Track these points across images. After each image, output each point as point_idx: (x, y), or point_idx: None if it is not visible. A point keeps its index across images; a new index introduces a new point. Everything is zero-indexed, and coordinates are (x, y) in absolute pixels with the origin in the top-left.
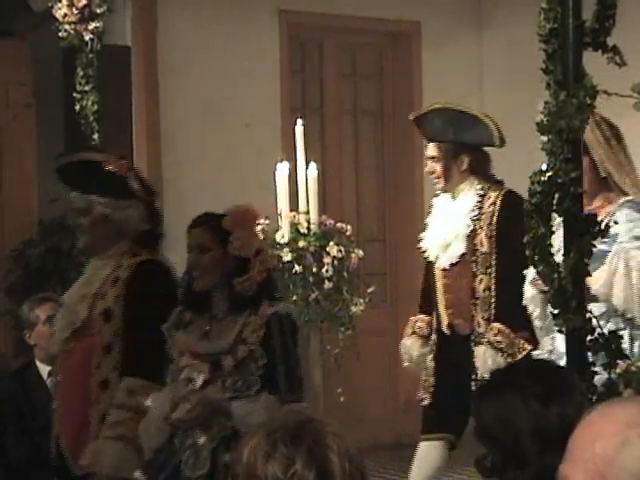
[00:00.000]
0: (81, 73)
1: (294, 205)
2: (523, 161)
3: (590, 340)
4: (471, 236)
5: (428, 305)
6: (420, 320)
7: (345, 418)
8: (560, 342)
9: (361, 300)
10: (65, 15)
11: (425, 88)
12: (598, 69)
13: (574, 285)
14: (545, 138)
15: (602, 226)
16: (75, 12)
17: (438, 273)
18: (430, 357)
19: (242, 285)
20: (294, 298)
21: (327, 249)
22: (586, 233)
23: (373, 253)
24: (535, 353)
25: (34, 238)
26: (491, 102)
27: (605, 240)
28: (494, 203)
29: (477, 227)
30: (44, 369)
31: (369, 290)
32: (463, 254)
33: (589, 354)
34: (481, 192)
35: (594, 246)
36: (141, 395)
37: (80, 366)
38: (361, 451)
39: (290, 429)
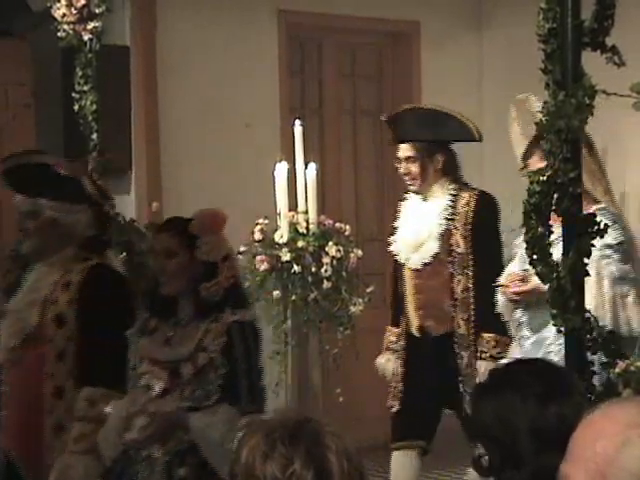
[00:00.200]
0: (80, 73)
1: (293, 205)
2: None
3: (589, 340)
4: (445, 236)
5: (398, 315)
6: (392, 334)
7: (344, 418)
8: (529, 348)
9: (360, 300)
10: (64, 15)
11: (424, 88)
12: (597, 69)
13: (573, 285)
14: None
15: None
16: (74, 12)
17: (409, 274)
18: (399, 363)
19: (209, 291)
20: (293, 298)
21: (326, 249)
22: (585, 233)
23: (372, 253)
24: (504, 361)
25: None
26: (490, 102)
27: None
28: (468, 203)
29: (451, 227)
30: None
31: (368, 290)
32: (436, 254)
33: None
34: (454, 192)
35: (593, 246)
36: (103, 404)
37: (31, 375)
38: (360, 451)
39: (289, 429)
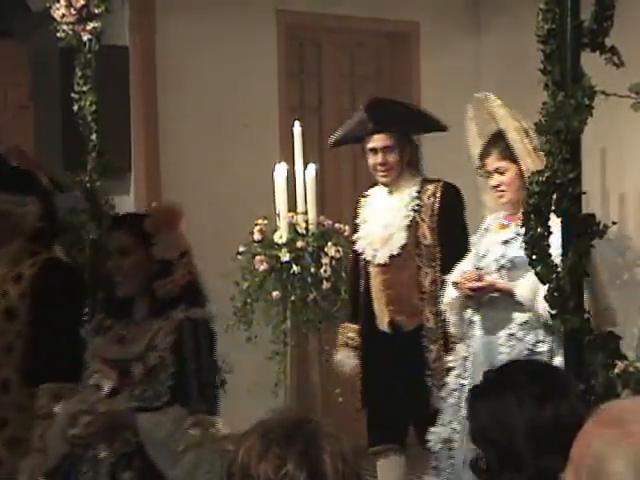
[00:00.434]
0: (79, 73)
1: (292, 205)
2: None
3: (588, 340)
4: (412, 228)
5: (357, 311)
6: (349, 330)
7: (343, 418)
8: (479, 348)
9: None
10: (63, 15)
11: (423, 89)
12: (596, 69)
13: (572, 285)
14: (543, 139)
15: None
16: (73, 12)
17: (375, 270)
18: (359, 363)
19: (164, 289)
20: (292, 298)
21: (325, 249)
22: (584, 233)
23: None
24: (449, 359)
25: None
26: None
27: None
28: (434, 195)
29: (418, 219)
30: None
31: None
32: (404, 245)
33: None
34: (418, 184)
35: (592, 246)
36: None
37: None
38: (359, 452)
39: (285, 430)
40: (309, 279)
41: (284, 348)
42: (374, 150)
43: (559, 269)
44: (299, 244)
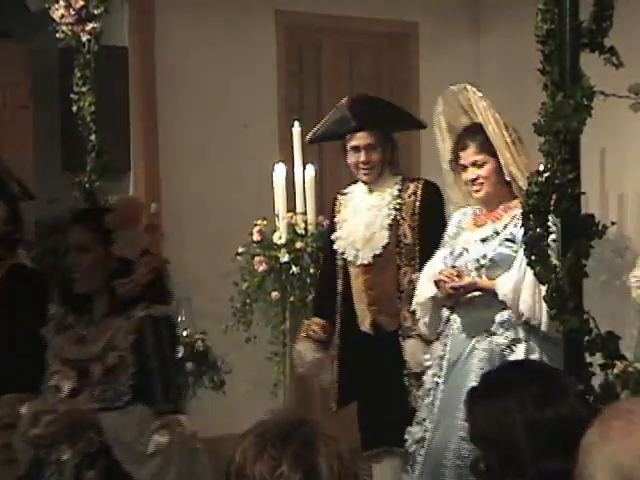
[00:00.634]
0: (78, 74)
1: (291, 206)
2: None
3: (587, 341)
4: (394, 226)
5: (326, 308)
6: (314, 323)
7: (342, 419)
8: (454, 345)
9: None
10: (62, 16)
11: (422, 89)
12: (595, 70)
13: (571, 286)
14: (542, 139)
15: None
16: (72, 13)
17: (356, 271)
18: (336, 364)
19: (124, 287)
20: (292, 299)
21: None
22: (583, 234)
23: None
24: (425, 357)
25: (31, 239)
26: None
27: (510, 245)
28: (414, 193)
29: (399, 217)
30: None
31: None
32: (387, 244)
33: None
34: (399, 182)
35: (592, 247)
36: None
37: None
38: (358, 452)
39: (281, 430)
40: (308, 280)
41: (283, 349)
42: (356, 148)
43: (558, 269)
44: (298, 245)
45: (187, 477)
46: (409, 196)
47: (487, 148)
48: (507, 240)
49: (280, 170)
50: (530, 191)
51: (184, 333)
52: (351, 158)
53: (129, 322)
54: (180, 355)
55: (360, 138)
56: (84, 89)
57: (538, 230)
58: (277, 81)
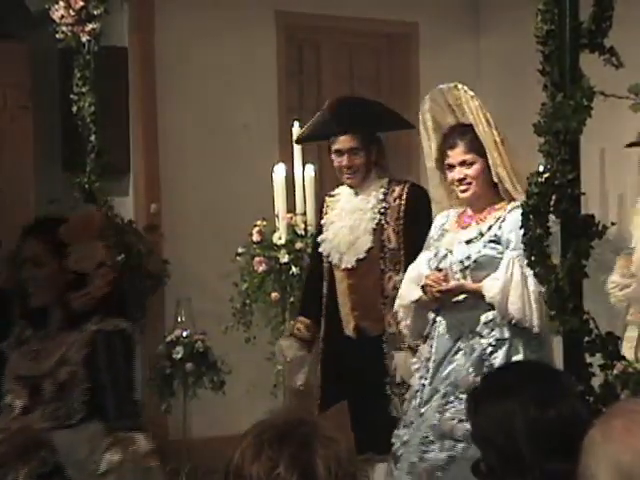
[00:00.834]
0: (78, 75)
1: (291, 207)
2: (521, 162)
3: (587, 341)
4: (378, 231)
5: (311, 308)
6: (299, 322)
7: (342, 420)
8: (440, 346)
9: None
10: (62, 17)
11: (422, 90)
12: (595, 70)
13: (571, 286)
14: (542, 140)
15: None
16: (72, 14)
17: (341, 275)
18: (318, 368)
19: (79, 301)
20: (291, 299)
21: None
22: (583, 234)
23: None
24: (412, 361)
25: None
26: (488, 104)
27: (495, 247)
28: (400, 197)
29: (383, 221)
30: None
31: None
32: (370, 249)
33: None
34: (385, 184)
35: (592, 247)
36: None
37: None
38: (356, 454)
39: (279, 431)
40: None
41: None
42: (339, 152)
43: (558, 270)
44: (298, 245)
45: None
46: (394, 200)
47: (476, 148)
48: (491, 241)
49: (280, 170)
50: (530, 191)
51: (184, 334)
52: (335, 161)
53: (82, 336)
54: (136, 370)
55: (342, 142)
56: (84, 89)
57: (538, 230)
58: (277, 81)
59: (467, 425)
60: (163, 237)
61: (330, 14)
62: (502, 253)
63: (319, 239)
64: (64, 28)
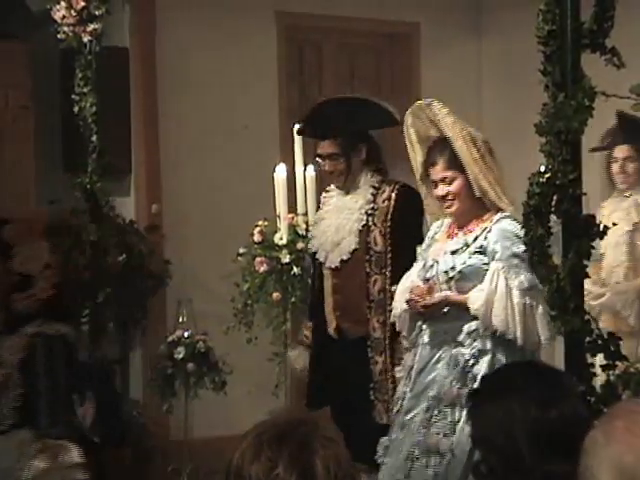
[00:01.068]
0: (80, 75)
1: (292, 207)
2: (521, 163)
3: (588, 341)
4: (364, 232)
5: (314, 309)
6: (306, 327)
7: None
8: (423, 354)
9: None
10: (64, 17)
11: (424, 90)
12: (597, 70)
13: (572, 287)
14: (544, 140)
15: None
16: (74, 14)
17: (327, 273)
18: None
19: (22, 303)
20: (293, 300)
21: None
22: (584, 235)
23: None
24: (397, 369)
25: None
26: (490, 104)
27: (481, 257)
28: (389, 198)
29: (370, 223)
30: None
31: None
32: (355, 250)
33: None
34: (375, 184)
35: (593, 247)
36: None
37: None
38: None
39: (278, 431)
40: (309, 280)
41: (284, 350)
42: (321, 156)
43: (559, 270)
44: (299, 245)
45: None
46: (383, 201)
47: (456, 163)
48: (477, 252)
49: (281, 171)
50: (531, 192)
51: (185, 334)
52: (320, 164)
53: (20, 339)
54: (79, 376)
55: (323, 147)
56: (85, 90)
57: (539, 231)
58: (278, 82)
59: (452, 439)
60: (164, 237)
61: (331, 14)
62: (488, 264)
63: (309, 235)
64: (65, 28)
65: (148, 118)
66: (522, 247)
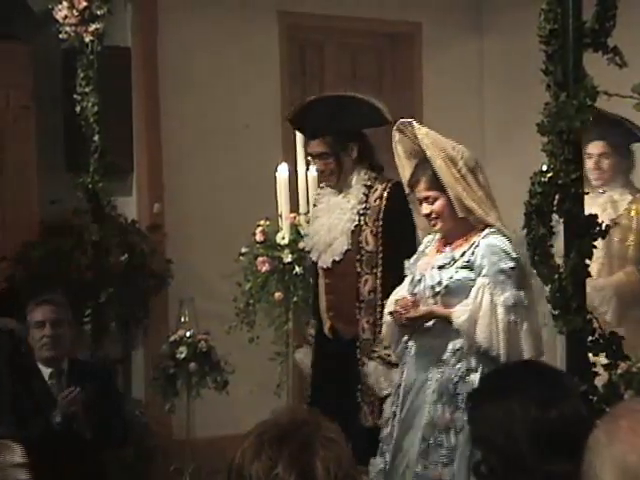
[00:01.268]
0: (81, 75)
1: (294, 206)
2: (523, 162)
3: (590, 341)
4: (356, 232)
5: (317, 308)
6: (310, 326)
7: None
8: (409, 372)
9: None
10: (65, 17)
11: (425, 90)
12: (599, 70)
13: (574, 286)
14: (545, 139)
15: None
16: (75, 14)
17: (321, 273)
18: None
19: None
20: (295, 299)
21: None
22: (586, 234)
23: None
24: (383, 385)
25: (35, 240)
26: (492, 104)
27: (468, 273)
28: (380, 197)
29: (362, 223)
30: (45, 371)
31: None
32: (347, 251)
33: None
34: (368, 183)
35: (594, 247)
36: None
37: None
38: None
39: (280, 431)
40: (311, 280)
41: (286, 349)
42: (311, 155)
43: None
44: (301, 245)
45: None
46: (375, 200)
47: (437, 184)
48: (464, 267)
49: (283, 170)
50: (533, 191)
51: (187, 334)
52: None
53: None
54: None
55: (312, 146)
56: (87, 90)
57: (541, 230)
58: (280, 82)
59: (454, 467)
60: (166, 237)
61: (333, 14)
62: (474, 279)
63: (303, 233)
64: (67, 28)
65: (150, 118)
66: (510, 263)
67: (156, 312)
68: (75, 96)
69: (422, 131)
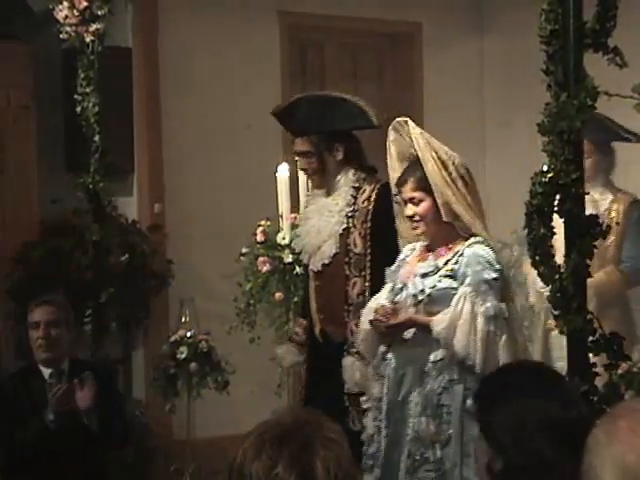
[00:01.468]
0: (82, 75)
1: (295, 206)
2: (523, 162)
3: (591, 341)
4: (344, 235)
5: (306, 307)
6: (298, 325)
7: None
8: (390, 385)
9: None
10: (66, 17)
11: (426, 90)
12: (599, 70)
13: (575, 286)
14: (546, 139)
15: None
16: (76, 14)
17: (311, 275)
18: (304, 367)
19: None
20: (295, 299)
21: None
22: (587, 234)
23: None
24: (363, 399)
25: (35, 240)
26: (492, 104)
27: (451, 282)
28: (368, 198)
29: (350, 225)
30: (45, 371)
31: None
32: (336, 254)
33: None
34: (356, 184)
35: (595, 247)
36: None
37: None
38: None
39: (281, 431)
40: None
41: None
42: (296, 153)
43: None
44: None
45: None
46: (363, 202)
47: (426, 185)
48: (447, 276)
49: (283, 170)
50: (534, 191)
51: (188, 334)
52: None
53: None
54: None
55: (297, 144)
56: (88, 90)
57: (542, 230)
58: (280, 82)
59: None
60: (167, 237)
61: (333, 14)
62: (457, 288)
63: (293, 234)
64: (68, 28)
65: (151, 118)
66: (493, 274)
67: (157, 312)
68: (76, 96)
69: (417, 131)
